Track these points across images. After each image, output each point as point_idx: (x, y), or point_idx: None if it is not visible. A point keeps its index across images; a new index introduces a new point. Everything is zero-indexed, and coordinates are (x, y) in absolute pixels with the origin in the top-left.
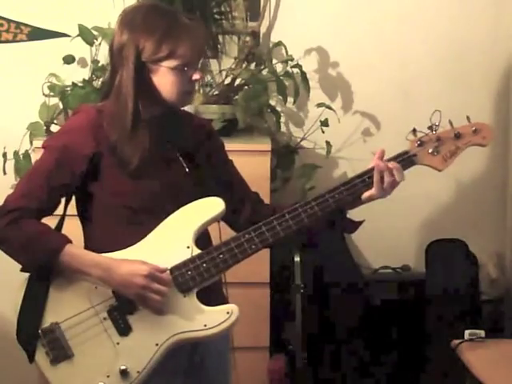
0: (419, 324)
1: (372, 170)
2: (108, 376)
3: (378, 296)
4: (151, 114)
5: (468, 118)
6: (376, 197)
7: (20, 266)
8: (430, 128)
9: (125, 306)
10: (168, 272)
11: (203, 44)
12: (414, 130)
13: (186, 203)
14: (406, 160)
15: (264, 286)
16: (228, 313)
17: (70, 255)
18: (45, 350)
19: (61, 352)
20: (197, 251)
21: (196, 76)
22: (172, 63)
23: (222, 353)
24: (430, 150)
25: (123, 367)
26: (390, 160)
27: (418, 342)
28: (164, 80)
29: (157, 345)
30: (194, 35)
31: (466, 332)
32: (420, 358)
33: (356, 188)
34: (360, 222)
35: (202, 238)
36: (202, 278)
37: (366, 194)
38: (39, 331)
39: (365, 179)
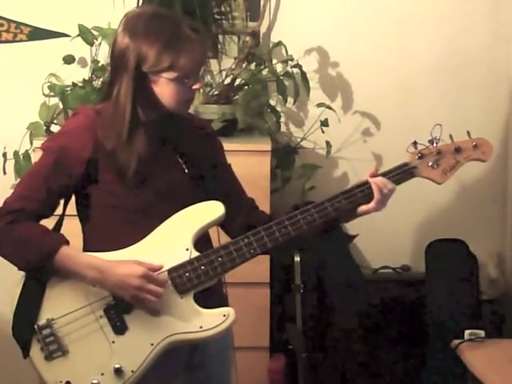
0: (419, 324)
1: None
2: (102, 374)
3: (377, 296)
4: (150, 118)
5: (468, 133)
6: (374, 211)
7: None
8: (431, 141)
9: (122, 304)
10: (165, 273)
11: (205, 55)
12: (415, 143)
13: (185, 204)
14: (405, 172)
15: (264, 285)
16: (224, 315)
17: (66, 256)
18: (40, 345)
19: (56, 348)
20: (195, 254)
21: (196, 85)
22: (172, 75)
23: (223, 353)
24: (430, 163)
25: (118, 366)
26: (390, 171)
27: (418, 342)
28: (164, 90)
29: (152, 345)
30: (196, 47)
31: (466, 332)
32: (420, 358)
33: (355, 198)
34: (354, 236)
35: (203, 242)
36: (200, 281)
37: (363, 208)
38: (35, 326)
39: (364, 189)
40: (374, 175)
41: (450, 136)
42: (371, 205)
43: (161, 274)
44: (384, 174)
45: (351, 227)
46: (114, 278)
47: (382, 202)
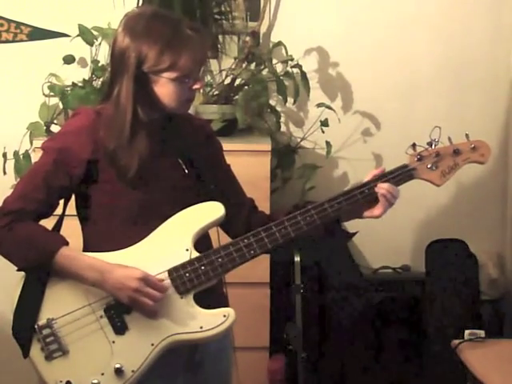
0: (419, 324)
1: (371, 182)
2: (102, 374)
3: (377, 296)
4: (150, 118)
5: (467, 135)
6: (378, 217)
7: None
8: (430, 143)
9: (122, 304)
10: (165, 273)
11: (205, 55)
12: (414, 145)
13: (185, 205)
14: (405, 174)
15: (264, 285)
16: (225, 316)
17: (66, 257)
18: (40, 345)
19: (56, 348)
20: (195, 254)
21: (197, 85)
22: (173, 74)
23: (223, 353)
24: (429, 165)
25: (118, 366)
26: (389, 173)
27: (418, 342)
28: (164, 90)
29: (152, 345)
30: (196, 46)
31: (466, 332)
32: (420, 358)
33: (355, 199)
34: (354, 233)
35: (203, 242)
36: (200, 281)
37: (367, 214)
38: (35, 326)
39: (364, 191)
40: (377, 176)
41: (449, 138)
42: (377, 212)
43: (161, 274)
44: (383, 176)
45: (351, 226)
46: (113, 280)
47: (387, 209)
